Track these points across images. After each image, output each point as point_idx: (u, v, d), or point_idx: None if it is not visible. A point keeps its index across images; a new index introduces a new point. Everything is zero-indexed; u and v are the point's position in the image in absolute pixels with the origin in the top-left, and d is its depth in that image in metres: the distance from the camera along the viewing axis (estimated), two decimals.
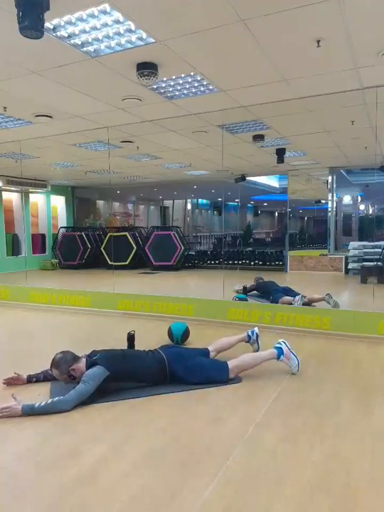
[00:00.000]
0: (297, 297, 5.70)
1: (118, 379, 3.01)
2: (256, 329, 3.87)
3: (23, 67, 3.78)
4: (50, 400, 2.74)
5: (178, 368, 3.13)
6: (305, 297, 5.71)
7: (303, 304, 5.61)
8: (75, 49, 3.43)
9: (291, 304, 5.66)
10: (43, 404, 2.68)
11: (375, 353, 3.98)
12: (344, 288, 8.43)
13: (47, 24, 2.94)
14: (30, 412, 2.65)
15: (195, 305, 5.33)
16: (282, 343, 3.39)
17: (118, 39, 3.28)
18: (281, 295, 5.92)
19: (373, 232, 10.99)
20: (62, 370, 2.96)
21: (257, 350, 3.70)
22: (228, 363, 3.23)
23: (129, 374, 3.04)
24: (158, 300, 5.58)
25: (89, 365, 2.95)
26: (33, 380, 3.23)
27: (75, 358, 3.02)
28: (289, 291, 6.04)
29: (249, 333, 3.83)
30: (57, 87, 4.29)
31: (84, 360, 3.01)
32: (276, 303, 5.75)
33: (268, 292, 6.25)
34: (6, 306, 6.56)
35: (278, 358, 3.32)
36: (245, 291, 6.57)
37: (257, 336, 3.82)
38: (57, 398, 2.75)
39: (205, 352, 3.43)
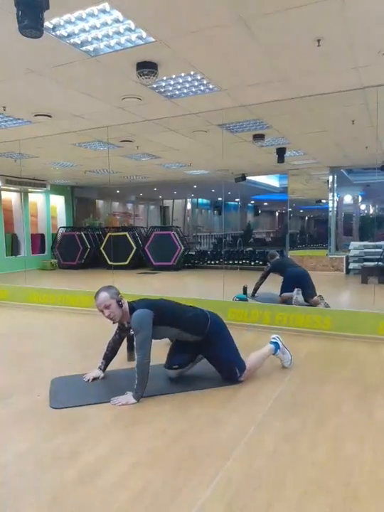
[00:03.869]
0: (295, 291, 5.73)
1: (162, 321, 2.95)
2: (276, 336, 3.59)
3: (23, 66, 3.78)
4: (135, 375, 2.82)
5: (217, 333, 3.14)
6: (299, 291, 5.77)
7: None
8: (74, 48, 3.42)
9: (291, 299, 5.72)
10: (136, 382, 2.82)
11: (375, 354, 3.98)
12: (345, 288, 8.43)
13: (46, 23, 2.93)
14: (137, 395, 2.83)
15: (195, 305, 5.30)
16: (277, 338, 3.49)
17: (118, 38, 3.27)
18: (286, 288, 5.93)
19: (374, 232, 10.99)
20: (112, 294, 2.93)
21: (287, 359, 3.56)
22: (246, 362, 3.23)
23: (170, 317, 3.03)
24: None
25: (130, 310, 2.96)
26: (102, 367, 3.32)
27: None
28: (299, 279, 5.95)
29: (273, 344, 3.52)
30: (57, 86, 4.28)
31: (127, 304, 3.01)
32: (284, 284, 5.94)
33: (282, 271, 6.19)
34: (5, 306, 6.55)
35: (275, 352, 3.42)
36: (245, 291, 6.54)
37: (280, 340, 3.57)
38: (135, 367, 2.84)
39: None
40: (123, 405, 2.80)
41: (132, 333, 3.72)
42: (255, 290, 6.31)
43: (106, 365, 3.33)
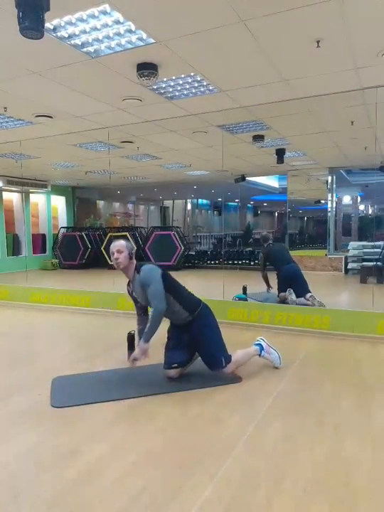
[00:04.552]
0: (288, 291, 5.81)
1: (164, 286, 3.12)
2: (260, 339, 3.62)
3: (24, 67, 3.79)
4: (148, 321, 3.06)
5: (207, 317, 3.22)
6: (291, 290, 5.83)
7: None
8: (75, 49, 3.43)
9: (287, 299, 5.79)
10: (147, 327, 3.05)
11: (374, 353, 3.99)
12: (344, 288, 8.44)
13: (47, 24, 2.94)
14: (148, 336, 3.04)
15: None
16: (260, 340, 3.51)
17: (118, 39, 3.28)
18: (282, 287, 5.95)
19: (373, 232, 10.99)
20: (128, 246, 3.22)
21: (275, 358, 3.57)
22: (232, 355, 3.26)
23: (172, 285, 3.22)
24: None
25: (137, 269, 3.19)
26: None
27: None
28: (293, 278, 5.95)
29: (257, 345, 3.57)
30: (58, 87, 4.30)
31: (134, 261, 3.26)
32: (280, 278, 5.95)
33: (276, 265, 6.15)
34: (6, 306, 6.56)
35: (260, 354, 3.43)
36: (245, 291, 6.55)
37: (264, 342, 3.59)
38: (150, 314, 3.08)
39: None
40: (143, 356, 3.04)
41: (132, 332, 3.77)
42: (267, 283, 6.33)
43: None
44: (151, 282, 3.09)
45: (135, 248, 3.31)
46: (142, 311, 3.48)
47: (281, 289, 5.97)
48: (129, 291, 3.44)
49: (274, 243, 6.51)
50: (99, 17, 2.96)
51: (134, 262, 3.26)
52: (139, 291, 3.22)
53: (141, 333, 3.37)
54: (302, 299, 5.75)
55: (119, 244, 3.23)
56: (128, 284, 3.40)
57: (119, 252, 3.18)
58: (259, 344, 3.47)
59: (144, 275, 3.12)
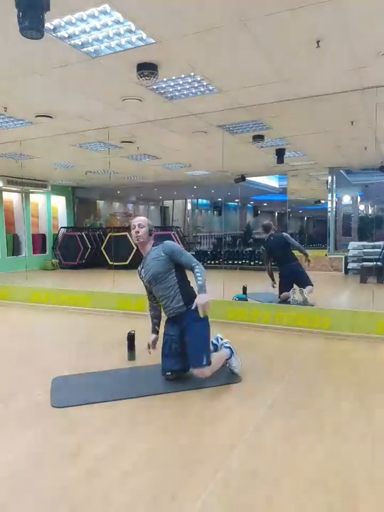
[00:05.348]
0: (291, 291, 5.75)
1: (179, 265, 3.26)
2: (218, 335, 3.60)
3: (24, 67, 3.79)
4: (198, 274, 3.12)
5: (198, 313, 3.14)
6: (297, 289, 5.78)
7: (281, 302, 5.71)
8: (75, 49, 3.43)
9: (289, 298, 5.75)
10: (200, 278, 3.12)
11: (374, 353, 3.99)
12: (344, 288, 8.44)
13: (47, 24, 2.94)
14: (204, 287, 3.12)
15: None
16: (228, 344, 3.42)
17: (118, 39, 3.28)
18: (284, 287, 5.91)
19: (373, 233, 10.99)
20: (149, 223, 3.34)
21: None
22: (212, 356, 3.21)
23: (180, 269, 3.28)
24: None
25: (154, 244, 3.33)
26: (157, 329, 3.50)
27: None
28: (296, 275, 5.91)
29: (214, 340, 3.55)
30: (58, 87, 4.30)
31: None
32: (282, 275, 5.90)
33: (277, 263, 6.08)
34: (6, 306, 6.56)
35: (230, 357, 3.33)
36: (245, 291, 6.55)
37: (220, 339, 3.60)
38: (196, 271, 3.13)
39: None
40: (207, 303, 3.08)
41: (132, 332, 3.77)
42: (272, 278, 6.21)
43: (158, 325, 3.51)
44: (178, 250, 3.24)
45: (154, 229, 3.42)
46: (153, 298, 3.48)
47: (283, 289, 5.93)
48: (139, 273, 3.43)
49: (276, 235, 6.15)
50: (99, 17, 2.96)
51: (152, 240, 3.37)
52: (151, 264, 3.25)
53: (153, 319, 3.51)
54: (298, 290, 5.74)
55: (141, 219, 3.34)
56: (140, 266, 3.42)
57: (141, 226, 3.28)
58: (228, 347, 3.38)
59: (167, 246, 3.26)
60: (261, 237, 17.27)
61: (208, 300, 3.10)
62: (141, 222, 3.31)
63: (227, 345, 3.42)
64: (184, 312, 3.23)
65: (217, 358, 3.25)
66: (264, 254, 6.31)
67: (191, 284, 3.34)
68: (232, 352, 3.37)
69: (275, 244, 6.07)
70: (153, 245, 3.33)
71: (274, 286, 6.21)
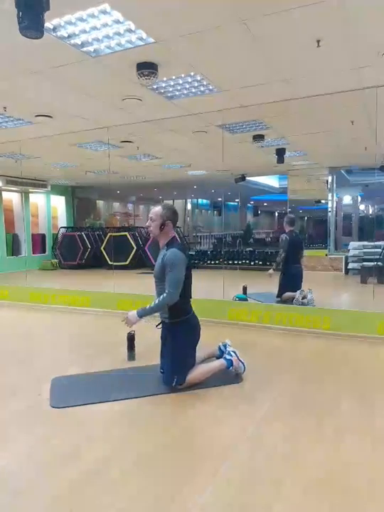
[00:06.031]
0: (298, 292, 5.68)
1: (187, 271, 3.10)
2: (227, 341, 3.55)
3: (23, 67, 3.78)
4: (157, 300, 2.97)
5: (185, 331, 3.11)
6: (303, 291, 5.72)
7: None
8: (75, 49, 3.42)
9: (293, 299, 5.69)
10: (152, 304, 2.96)
11: (375, 353, 3.99)
12: (344, 288, 8.44)
13: (47, 24, 2.94)
14: (144, 313, 2.98)
15: (195, 305, 5.26)
16: (232, 354, 3.31)
17: (118, 39, 3.28)
18: (285, 287, 5.89)
19: (373, 232, 10.98)
20: (164, 214, 3.08)
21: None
22: (188, 375, 3.09)
23: (184, 284, 3.09)
24: None
25: (169, 244, 3.10)
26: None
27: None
28: (299, 278, 5.91)
29: (222, 347, 3.53)
30: (57, 87, 4.29)
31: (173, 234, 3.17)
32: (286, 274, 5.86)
33: (291, 255, 5.92)
34: (6, 306, 6.56)
35: (228, 368, 3.26)
36: (245, 291, 6.54)
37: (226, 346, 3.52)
38: (161, 297, 2.96)
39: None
40: (128, 323, 3.02)
41: (132, 332, 3.76)
42: (278, 264, 6.02)
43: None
44: (174, 267, 2.97)
45: (172, 218, 3.11)
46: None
47: (285, 289, 5.89)
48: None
49: (298, 235, 6.25)
50: (99, 16, 2.96)
51: (170, 235, 3.14)
52: (158, 261, 3.12)
53: None
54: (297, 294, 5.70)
55: (155, 211, 3.12)
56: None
57: (152, 220, 3.10)
58: (229, 359, 3.27)
59: (170, 256, 3.00)
60: (261, 236, 17.36)
61: (133, 321, 3.04)
62: (152, 214, 3.11)
63: (228, 357, 3.28)
64: (167, 323, 3.15)
65: (202, 373, 3.15)
66: (285, 245, 5.93)
67: (186, 300, 3.19)
68: (231, 363, 3.25)
69: (298, 242, 6.08)
70: (167, 244, 3.12)
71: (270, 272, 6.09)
